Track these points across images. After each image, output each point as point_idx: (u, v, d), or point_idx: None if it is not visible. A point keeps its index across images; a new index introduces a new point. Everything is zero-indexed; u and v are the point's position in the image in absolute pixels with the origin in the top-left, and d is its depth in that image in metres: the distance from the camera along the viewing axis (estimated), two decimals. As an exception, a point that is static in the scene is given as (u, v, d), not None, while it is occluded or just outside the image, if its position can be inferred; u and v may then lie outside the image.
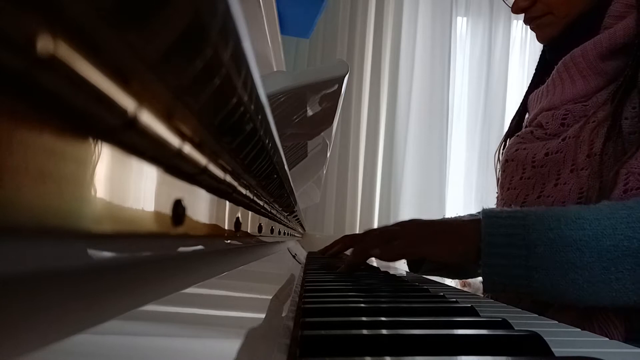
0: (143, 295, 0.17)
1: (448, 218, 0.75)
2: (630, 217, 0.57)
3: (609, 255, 0.57)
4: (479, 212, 0.68)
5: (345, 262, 0.77)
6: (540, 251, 0.59)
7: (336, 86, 0.58)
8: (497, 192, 0.89)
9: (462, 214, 0.97)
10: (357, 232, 2.51)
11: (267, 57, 0.78)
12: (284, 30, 1.48)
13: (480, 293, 0.86)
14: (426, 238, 0.69)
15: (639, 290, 0.56)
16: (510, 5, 0.83)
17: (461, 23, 2.71)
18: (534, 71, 0.91)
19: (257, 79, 0.21)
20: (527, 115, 0.89)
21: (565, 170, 0.70)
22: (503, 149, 0.89)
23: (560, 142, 0.72)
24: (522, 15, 0.82)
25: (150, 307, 0.17)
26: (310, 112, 0.66)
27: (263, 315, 0.27)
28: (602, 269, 0.57)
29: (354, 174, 2.53)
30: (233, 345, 0.21)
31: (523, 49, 2.72)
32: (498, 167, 0.88)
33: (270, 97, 0.47)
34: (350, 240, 0.95)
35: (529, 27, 0.83)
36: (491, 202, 0.95)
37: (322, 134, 0.83)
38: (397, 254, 0.71)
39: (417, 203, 2.54)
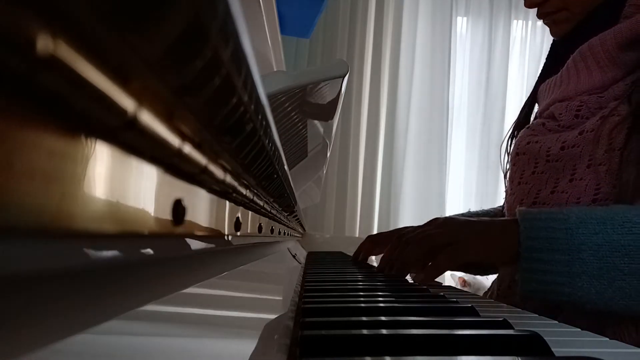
0: (143, 295, 0.17)
1: (482, 218, 0.70)
2: None
3: None
4: (494, 208, 0.65)
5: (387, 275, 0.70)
6: (585, 256, 0.56)
7: (336, 86, 0.58)
8: (505, 186, 0.85)
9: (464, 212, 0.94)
10: (357, 232, 2.50)
11: (267, 57, 0.78)
12: (284, 30, 1.47)
13: (480, 293, 0.85)
14: (471, 242, 0.64)
15: None
16: None
17: (461, 23, 2.71)
18: (536, 69, 0.90)
19: (257, 79, 0.21)
20: (536, 107, 0.86)
21: (582, 165, 0.67)
22: (511, 141, 0.85)
23: (577, 136, 0.68)
24: (527, 12, 0.80)
25: (150, 307, 0.17)
26: (310, 112, 0.66)
27: (263, 316, 0.27)
28: None
29: (354, 174, 2.53)
30: (233, 345, 0.21)
31: (523, 49, 2.72)
32: (506, 159, 0.85)
33: (270, 97, 0.47)
34: (382, 243, 0.88)
35: (542, 21, 0.81)
36: (490, 202, 0.95)
37: (322, 133, 0.83)
38: (444, 269, 0.66)
39: (417, 203, 2.54)
